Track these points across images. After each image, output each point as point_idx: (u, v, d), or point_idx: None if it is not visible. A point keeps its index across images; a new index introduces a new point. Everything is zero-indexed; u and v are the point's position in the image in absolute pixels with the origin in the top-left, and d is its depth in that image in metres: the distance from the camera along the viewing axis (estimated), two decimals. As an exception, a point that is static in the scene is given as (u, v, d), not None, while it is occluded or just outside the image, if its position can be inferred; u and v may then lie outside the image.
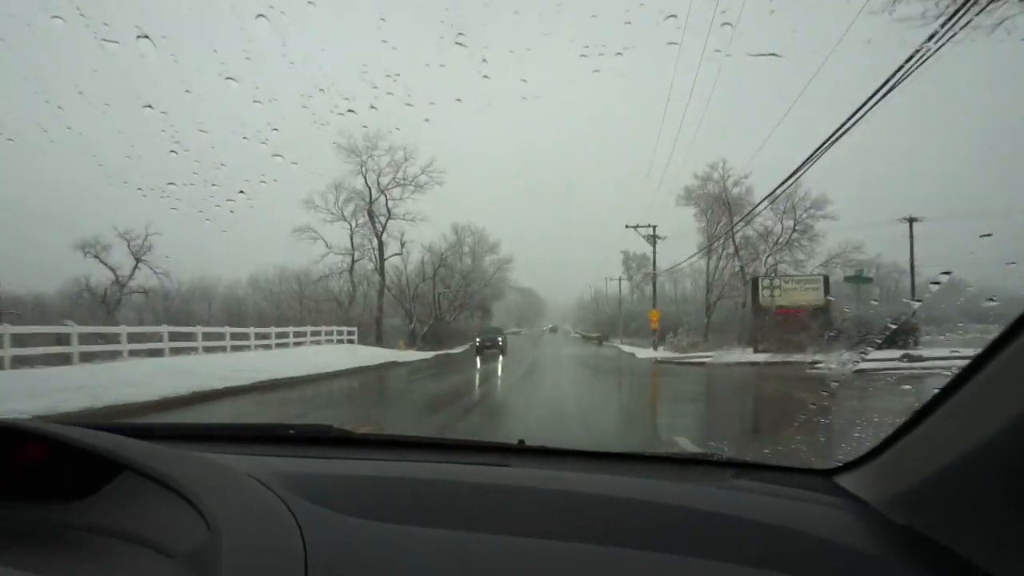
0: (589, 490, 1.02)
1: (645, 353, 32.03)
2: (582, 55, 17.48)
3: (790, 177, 17.95)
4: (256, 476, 0.90)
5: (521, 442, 1.32)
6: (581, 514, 0.93)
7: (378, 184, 38.85)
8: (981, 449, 0.75)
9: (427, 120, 37.39)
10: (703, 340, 35.30)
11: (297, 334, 27.57)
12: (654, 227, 36.28)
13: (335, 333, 31.56)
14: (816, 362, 13.98)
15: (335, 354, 23.44)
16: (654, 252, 36.10)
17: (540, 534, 0.84)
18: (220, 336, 21.97)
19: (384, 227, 39.45)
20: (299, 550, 0.71)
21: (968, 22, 7.33)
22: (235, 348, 22.14)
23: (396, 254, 41.17)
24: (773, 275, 29.38)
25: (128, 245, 38.99)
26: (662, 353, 30.42)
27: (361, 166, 38.23)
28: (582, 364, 24.35)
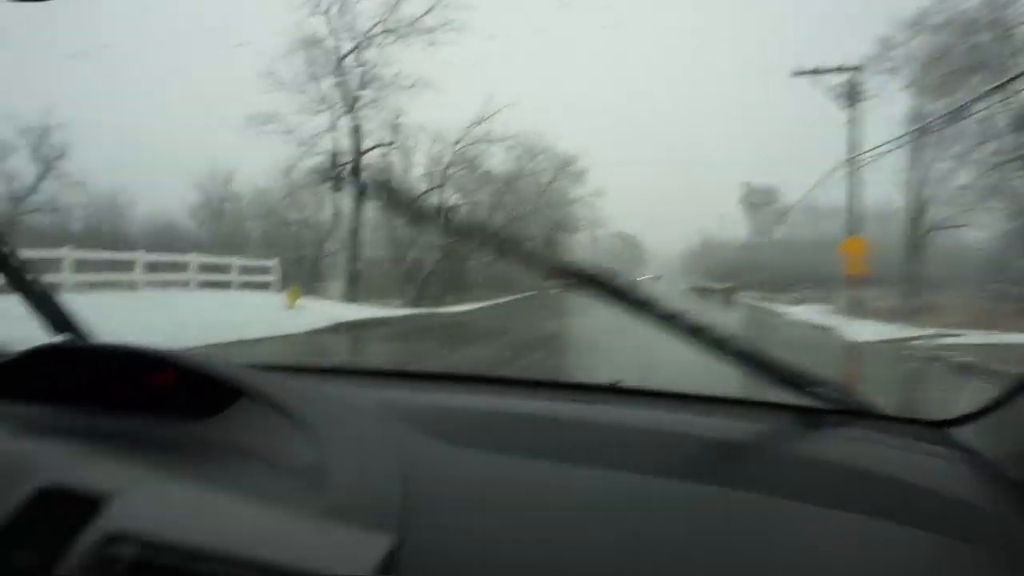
0: (686, 430, 1.04)
1: (868, 330, 15.17)
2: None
3: None
4: (364, 405, 1.00)
5: (617, 383, 1.38)
6: (677, 452, 0.96)
7: (349, 29, 23.02)
8: None
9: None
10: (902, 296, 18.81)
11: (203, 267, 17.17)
12: (853, 69, 18.53)
13: (219, 270, 17.67)
14: None
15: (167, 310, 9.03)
16: (852, 115, 18.35)
17: (637, 469, 0.87)
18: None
19: (357, 96, 23.25)
20: (400, 471, 0.77)
21: None
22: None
23: (386, 143, 24.76)
24: None
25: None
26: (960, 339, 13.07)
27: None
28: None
